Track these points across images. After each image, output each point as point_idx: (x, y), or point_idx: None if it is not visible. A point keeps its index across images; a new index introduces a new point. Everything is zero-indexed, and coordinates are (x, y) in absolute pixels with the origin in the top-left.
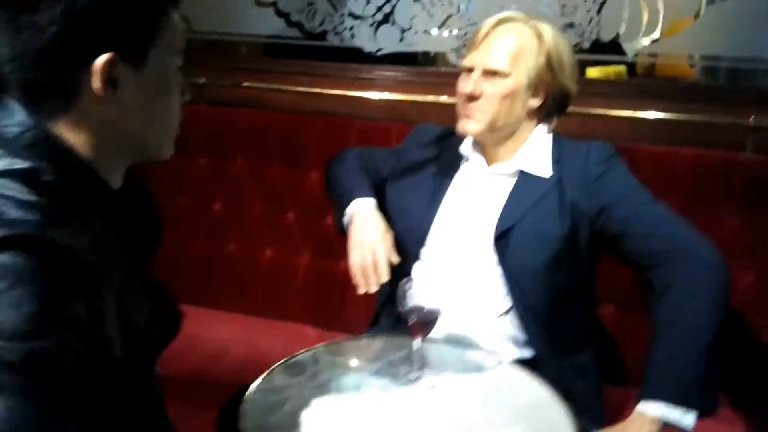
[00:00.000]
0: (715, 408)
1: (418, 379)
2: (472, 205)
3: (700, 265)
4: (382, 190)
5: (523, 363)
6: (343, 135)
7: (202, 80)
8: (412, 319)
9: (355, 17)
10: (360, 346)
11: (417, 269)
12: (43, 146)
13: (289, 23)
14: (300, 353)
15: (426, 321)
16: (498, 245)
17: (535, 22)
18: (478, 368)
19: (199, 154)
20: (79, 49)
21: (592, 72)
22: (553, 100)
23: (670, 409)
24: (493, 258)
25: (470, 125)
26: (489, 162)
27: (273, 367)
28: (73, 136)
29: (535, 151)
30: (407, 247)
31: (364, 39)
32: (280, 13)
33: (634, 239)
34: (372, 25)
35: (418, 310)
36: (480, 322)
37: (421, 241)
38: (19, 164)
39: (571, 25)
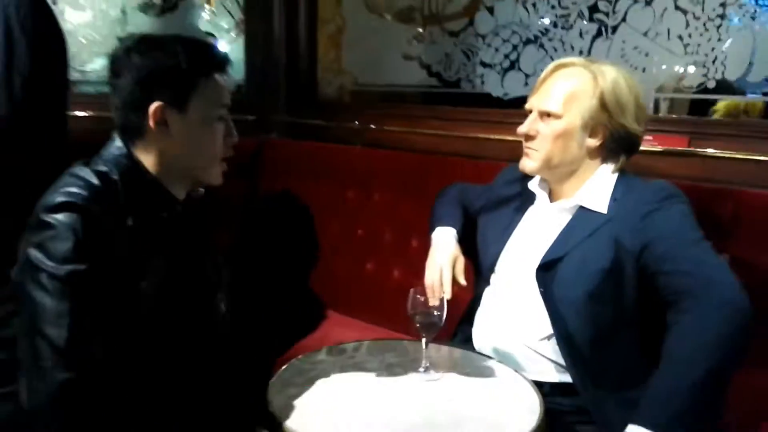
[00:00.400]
0: None
1: (425, 371)
2: (532, 238)
3: (714, 303)
4: (475, 220)
5: (562, 387)
6: (463, 173)
7: (356, 125)
8: (417, 322)
9: (485, 65)
10: (400, 346)
11: (486, 293)
12: (121, 160)
13: (430, 74)
14: (349, 342)
15: (429, 323)
16: (542, 275)
17: (597, 66)
18: (487, 374)
19: (348, 187)
20: (141, 100)
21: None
22: (614, 140)
23: None
24: (537, 286)
25: (527, 163)
26: (554, 198)
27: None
28: (144, 157)
29: (596, 188)
30: (482, 272)
31: (493, 85)
32: (423, 65)
33: (665, 277)
34: (500, 72)
35: (422, 313)
36: (523, 343)
37: (491, 268)
38: (101, 167)
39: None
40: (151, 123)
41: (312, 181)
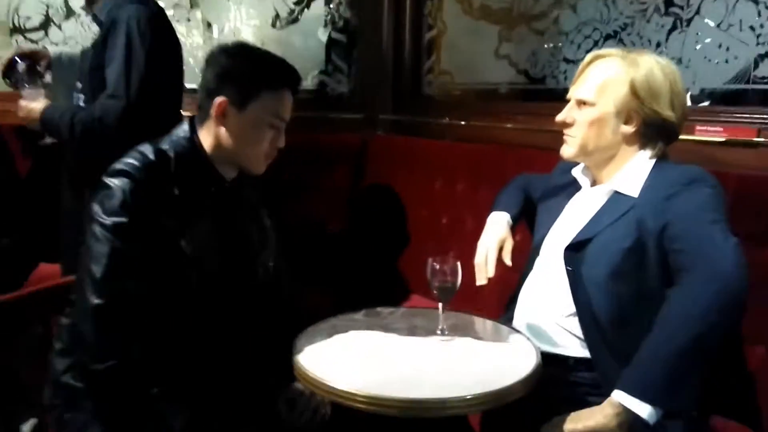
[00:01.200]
0: (682, 408)
1: (440, 333)
2: (571, 222)
3: (705, 276)
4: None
5: (586, 361)
6: (538, 164)
7: (446, 120)
8: (434, 288)
9: (568, 61)
10: (432, 313)
11: (530, 274)
12: (180, 142)
13: (518, 71)
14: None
15: (444, 288)
16: (570, 255)
17: (633, 56)
18: (494, 336)
19: (436, 178)
20: (213, 91)
21: None
22: (648, 126)
23: (633, 400)
24: (565, 266)
25: (565, 149)
26: (595, 184)
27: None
28: (204, 138)
29: (631, 174)
30: (531, 256)
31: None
32: (512, 63)
33: (674, 254)
34: None
35: (439, 280)
36: (551, 319)
37: (537, 251)
38: (163, 145)
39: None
40: (213, 112)
41: (407, 173)
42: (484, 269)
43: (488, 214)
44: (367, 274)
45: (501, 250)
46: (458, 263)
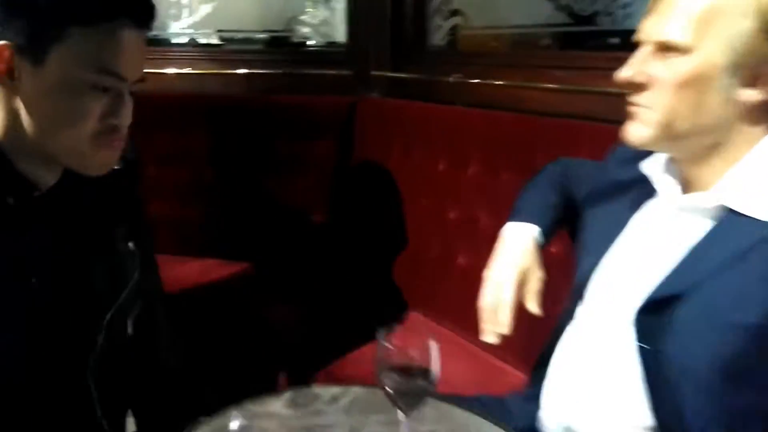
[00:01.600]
0: None
1: None
2: (642, 254)
3: None
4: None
5: None
6: (585, 143)
7: (456, 78)
8: (388, 387)
9: None
10: (386, 407)
11: (569, 330)
12: None
13: (558, 6)
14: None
15: (406, 391)
16: (646, 321)
17: None
18: None
19: (440, 157)
20: None
21: None
22: None
23: None
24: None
25: (634, 129)
26: (686, 188)
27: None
28: None
29: (756, 177)
30: (573, 297)
31: (641, 17)
32: None
33: None
34: None
35: (399, 372)
36: (606, 427)
37: (579, 293)
38: None
39: None
40: None
41: (404, 148)
42: (494, 319)
43: (509, 211)
44: (348, 283)
45: (523, 286)
46: (432, 343)
